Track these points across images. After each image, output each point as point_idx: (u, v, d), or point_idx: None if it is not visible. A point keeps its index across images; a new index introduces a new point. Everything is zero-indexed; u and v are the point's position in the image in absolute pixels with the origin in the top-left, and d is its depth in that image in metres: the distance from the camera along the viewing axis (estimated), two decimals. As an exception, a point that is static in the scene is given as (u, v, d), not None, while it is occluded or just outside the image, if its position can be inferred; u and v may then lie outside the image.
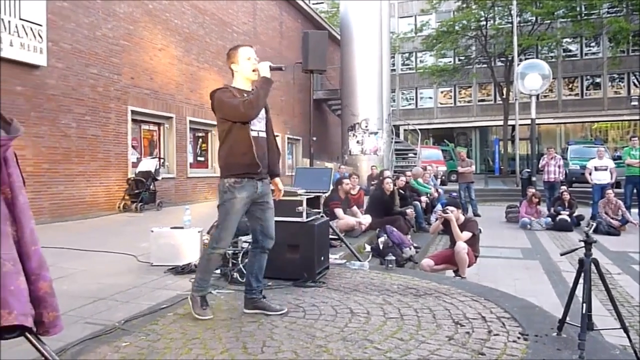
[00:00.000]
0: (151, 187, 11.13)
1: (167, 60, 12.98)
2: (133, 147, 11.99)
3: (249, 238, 5.23)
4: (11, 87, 8.77)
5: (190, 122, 13.90)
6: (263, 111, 3.71)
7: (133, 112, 11.73)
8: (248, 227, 5.91)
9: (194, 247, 5.35)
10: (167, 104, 12.94)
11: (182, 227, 5.57)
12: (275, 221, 4.71)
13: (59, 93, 9.72)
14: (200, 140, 15.07)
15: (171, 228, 5.59)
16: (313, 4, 31.14)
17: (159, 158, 12.37)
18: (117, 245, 6.52)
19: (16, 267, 2.03)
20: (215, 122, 12.71)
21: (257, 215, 3.73)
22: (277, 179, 3.90)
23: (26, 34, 8.87)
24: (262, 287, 3.83)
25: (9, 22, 8.59)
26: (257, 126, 3.68)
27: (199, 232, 5.46)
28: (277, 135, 16.41)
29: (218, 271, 4.92)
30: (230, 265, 4.75)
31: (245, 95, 3.58)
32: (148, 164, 11.38)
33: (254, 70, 3.64)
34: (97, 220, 9.66)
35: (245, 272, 4.61)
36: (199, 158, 14.95)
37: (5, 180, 2.09)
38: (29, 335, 2.13)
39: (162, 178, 11.87)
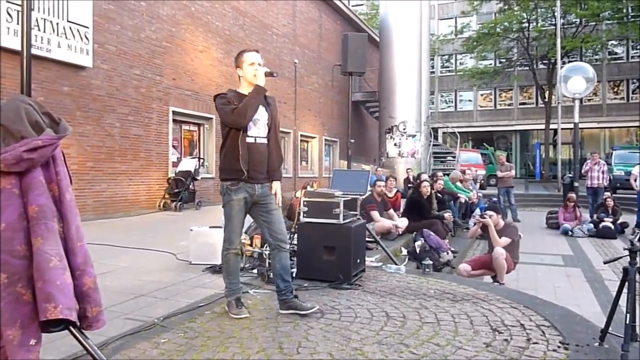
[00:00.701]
0: (190, 186, 11.32)
1: (208, 62, 13.19)
2: (174, 147, 12.22)
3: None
4: (59, 88, 9.07)
5: (229, 123, 14.06)
6: (265, 116, 3.74)
7: (174, 112, 11.97)
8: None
9: (232, 247, 5.41)
10: (208, 105, 13.14)
11: (220, 227, 5.64)
12: (312, 222, 4.78)
13: (104, 93, 10.00)
14: (239, 141, 15.23)
15: (210, 227, 5.66)
16: (352, 5, 31.14)
17: (199, 158, 12.56)
18: (157, 243, 6.65)
19: (62, 263, 2.10)
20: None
21: (263, 219, 3.78)
22: (275, 184, 3.88)
23: (73, 35, 9.16)
24: (290, 287, 3.83)
25: (57, 24, 8.89)
26: (255, 131, 3.69)
27: (236, 232, 5.51)
28: (313, 137, 16.50)
29: (255, 271, 4.98)
30: (267, 265, 4.78)
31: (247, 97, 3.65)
32: (188, 164, 11.58)
33: (254, 75, 3.68)
34: (138, 218, 9.87)
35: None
36: (237, 159, 15.10)
37: (53, 178, 2.16)
38: (73, 329, 2.20)
39: (202, 178, 12.05)
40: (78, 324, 2.19)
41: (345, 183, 5.57)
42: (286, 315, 3.74)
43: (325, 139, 20.47)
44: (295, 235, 5.09)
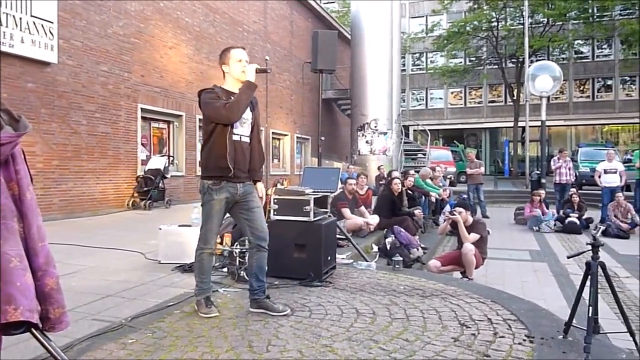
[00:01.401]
0: (160, 184, 11.19)
1: (178, 58, 13.04)
2: (143, 144, 12.06)
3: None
4: (23, 84, 8.86)
5: (200, 120, 13.93)
6: (249, 115, 3.72)
7: (143, 109, 11.80)
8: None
9: (202, 245, 5.36)
10: (177, 102, 12.99)
11: (190, 225, 5.59)
12: (283, 220, 4.76)
13: (70, 90, 9.80)
14: (210, 138, 15.10)
15: (179, 226, 5.61)
16: (324, 3, 31.17)
17: (169, 156, 12.43)
18: (125, 243, 6.56)
19: (23, 264, 2.04)
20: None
21: (244, 217, 3.73)
22: (258, 184, 3.88)
23: (37, 31, 8.95)
24: (264, 287, 3.81)
25: (20, 18, 8.67)
26: (240, 130, 3.66)
27: (206, 230, 5.46)
28: (285, 135, 16.48)
29: (225, 269, 4.95)
30: (237, 263, 4.76)
31: (232, 97, 3.59)
32: (157, 162, 11.44)
33: (242, 72, 3.65)
34: (107, 217, 9.72)
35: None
36: (208, 156, 14.98)
37: (12, 177, 2.11)
38: (34, 332, 2.14)
39: (171, 176, 11.93)
40: (40, 325, 2.14)
41: (316, 180, 5.57)
42: (256, 313, 3.72)
43: (297, 137, 20.44)
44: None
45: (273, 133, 18.30)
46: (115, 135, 10.96)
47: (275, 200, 4.80)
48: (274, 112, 18.21)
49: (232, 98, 3.58)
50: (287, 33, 19.52)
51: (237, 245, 4.98)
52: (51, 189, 9.37)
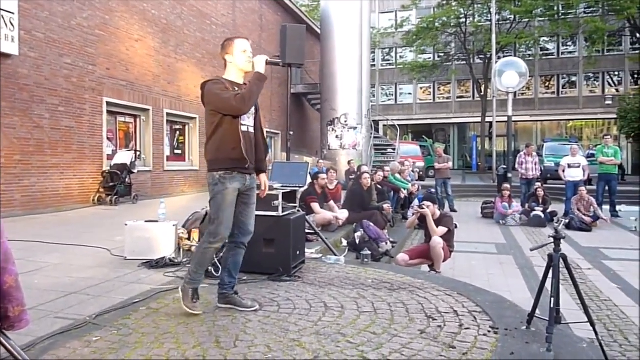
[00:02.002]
0: (127, 179, 11.00)
1: (144, 51, 12.82)
2: (108, 139, 11.83)
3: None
4: (-18, 77, 8.58)
5: (168, 114, 13.77)
6: (253, 107, 3.67)
7: (108, 103, 11.57)
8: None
9: (169, 241, 5.31)
10: (144, 95, 12.78)
11: (157, 221, 5.52)
12: (251, 215, 4.72)
13: (32, 83, 9.54)
14: (178, 133, 14.93)
15: (146, 221, 5.53)
16: (293, -3, 30.97)
17: (135, 150, 12.23)
18: (90, 239, 6.44)
19: (-20, 261, 1.99)
20: (193, 115, 12.61)
21: (239, 210, 3.68)
22: (262, 175, 3.86)
23: (-2, 22, 8.68)
24: (234, 283, 3.80)
25: (-20, 9, 8.40)
26: (247, 121, 3.63)
27: (174, 225, 5.41)
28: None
29: (193, 265, 4.89)
30: (205, 259, 4.71)
31: (237, 88, 3.54)
32: (124, 157, 11.25)
33: (248, 62, 3.60)
34: (71, 214, 9.52)
35: (220, 266, 4.62)
36: (176, 151, 14.82)
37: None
38: (-7, 330, 2.09)
39: (138, 171, 11.74)
40: (-1, 324, 2.09)
41: (285, 175, 5.55)
42: (225, 309, 3.70)
43: (267, 131, 20.34)
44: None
45: (242, 127, 18.15)
46: (80, 129, 10.72)
47: (244, 195, 4.76)
48: (244, 107, 18.06)
49: (236, 89, 3.53)
50: (257, 27, 19.39)
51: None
52: (13, 184, 9.13)
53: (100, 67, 11.27)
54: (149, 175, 12.92)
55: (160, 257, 5.11)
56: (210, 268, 4.61)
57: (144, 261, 5.10)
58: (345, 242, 7.39)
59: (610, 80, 36.27)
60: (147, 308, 3.73)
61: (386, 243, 7.50)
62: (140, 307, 3.75)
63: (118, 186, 10.71)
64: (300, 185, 5.59)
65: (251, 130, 3.67)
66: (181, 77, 14.34)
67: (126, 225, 5.42)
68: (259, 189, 3.89)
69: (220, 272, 3.90)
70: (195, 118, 15.06)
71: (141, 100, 12.70)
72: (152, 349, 2.96)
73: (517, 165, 13.93)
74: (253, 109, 3.69)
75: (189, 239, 5.54)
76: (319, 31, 21.40)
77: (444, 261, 6.58)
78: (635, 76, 35.32)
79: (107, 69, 11.48)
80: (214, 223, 3.57)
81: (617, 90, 34.76)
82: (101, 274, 4.75)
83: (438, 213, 6.84)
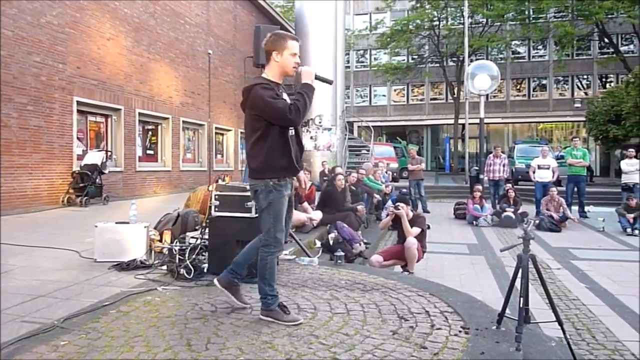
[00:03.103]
0: (97, 180, 10.82)
1: (116, 50, 12.64)
2: (79, 139, 11.63)
3: (196, 234, 5.19)
4: (-53, 74, 8.35)
5: (140, 114, 13.60)
6: None
7: (79, 102, 11.37)
8: (196, 222, 5.86)
9: (140, 243, 5.24)
10: (116, 95, 12.60)
11: (128, 222, 5.44)
12: (224, 217, 4.70)
13: None
14: (150, 133, 14.75)
15: (116, 223, 5.45)
16: (268, -2, 30.89)
17: (106, 151, 12.04)
18: (59, 241, 6.31)
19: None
20: (165, 115, 12.42)
21: None
22: (301, 173, 3.77)
23: (-36, 18, 8.46)
24: (243, 277, 3.78)
25: (-55, 5, 8.17)
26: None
27: (145, 227, 5.34)
28: (229, 130, 16.17)
29: (164, 267, 4.84)
30: (177, 261, 4.66)
31: (281, 89, 3.41)
32: (94, 157, 11.07)
33: (294, 68, 3.43)
34: (40, 215, 9.32)
35: (192, 268, 4.58)
36: (148, 151, 14.64)
37: None
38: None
39: (109, 171, 11.55)
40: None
41: (258, 176, 5.52)
42: (196, 311, 3.66)
43: (241, 132, 20.22)
44: (207, 230, 4.97)
45: (216, 128, 18.06)
46: (49, 129, 10.51)
47: (217, 197, 4.73)
48: (217, 107, 17.97)
49: (280, 90, 3.40)
50: (231, 27, 19.28)
51: (176, 243, 4.89)
52: (-21, 185, 8.92)
53: (70, 66, 11.07)
54: (121, 175, 12.74)
55: (131, 259, 5.04)
56: (182, 270, 4.56)
57: (115, 263, 5.02)
58: (318, 243, 7.38)
59: (579, 84, 37.09)
60: (117, 311, 3.67)
61: (360, 244, 7.52)
62: (110, 310, 3.69)
63: (88, 187, 10.53)
64: (274, 187, 5.56)
65: (292, 133, 3.52)
66: (154, 77, 14.17)
67: (96, 226, 5.33)
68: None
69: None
70: (168, 118, 14.90)
71: (113, 99, 12.51)
72: (121, 352, 2.92)
73: (485, 167, 14.17)
74: None
75: (160, 240, 5.48)
76: (293, 32, 21.39)
77: (417, 262, 6.63)
78: (604, 80, 36.19)
79: (77, 67, 11.28)
80: (272, 231, 3.42)
81: (586, 94, 35.60)
82: (70, 276, 4.66)
83: (411, 214, 6.88)
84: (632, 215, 11.00)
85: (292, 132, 3.47)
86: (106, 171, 11.14)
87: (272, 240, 3.43)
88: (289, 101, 3.36)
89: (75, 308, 3.69)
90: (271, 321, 3.42)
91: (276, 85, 3.42)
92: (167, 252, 4.95)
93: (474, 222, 12.34)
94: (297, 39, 3.54)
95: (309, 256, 5.89)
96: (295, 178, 3.70)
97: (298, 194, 8.44)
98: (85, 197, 10.40)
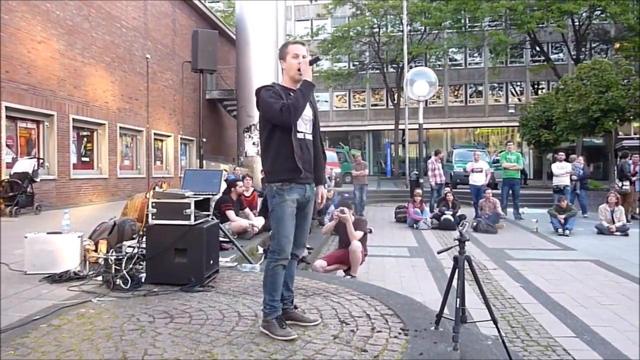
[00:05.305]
0: (28, 189, 10.35)
1: (48, 53, 12.16)
2: (8, 146, 11.10)
3: (133, 242, 5.04)
4: None
5: (74, 120, 13.12)
6: (310, 112, 3.46)
7: (7, 108, 10.86)
8: (133, 231, 5.70)
9: (73, 253, 5.03)
10: (48, 100, 12.11)
11: (59, 232, 5.22)
12: (162, 225, 4.59)
13: None
14: (85, 139, 14.25)
15: (48, 233, 5.22)
16: (208, 2, 30.61)
17: (38, 158, 11.52)
18: (-14, 253, 5.98)
19: None
20: (102, 121, 12.14)
21: (296, 223, 3.44)
22: (320, 187, 3.64)
23: None
24: (292, 297, 3.63)
25: None
26: (303, 128, 3.40)
27: (79, 237, 5.13)
28: (168, 135, 15.85)
29: (100, 278, 4.67)
30: (113, 271, 4.51)
31: (291, 94, 3.32)
32: (25, 165, 10.57)
33: (298, 69, 3.37)
34: (-35, 226, 8.81)
35: (129, 278, 4.44)
36: (83, 158, 14.14)
37: None
38: None
39: (41, 180, 11.08)
40: None
41: (198, 183, 5.43)
42: (132, 322, 3.55)
43: (181, 138, 19.88)
44: (144, 239, 4.84)
45: (155, 134, 17.66)
46: (-25, 135, 9.99)
47: (153, 204, 4.62)
48: (156, 112, 17.58)
49: (291, 94, 3.31)
50: (170, 31, 18.94)
51: (112, 252, 4.73)
52: None
53: (-2, 70, 10.56)
54: (54, 184, 12.24)
55: (63, 270, 4.83)
56: (118, 281, 4.42)
57: (46, 275, 4.80)
58: (261, 250, 7.33)
59: (513, 90, 38.64)
60: (47, 325, 3.51)
61: (303, 249, 7.51)
62: (41, 324, 3.53)
63: (18, 196, 10.04)
64: (214, 193, 5.49)
65: (308, 137, 3.44)
66: (89, 82, 13.72)
67: (26, 237, 5.08)
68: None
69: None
70: (104, 124, 14.45)
71: (44, 105, 12.02)
72: (52, 368, 2.79)
73: (429, 172, 14.48)
74: (311, 115, 3.48)
75: (95, 250, 5.29)
76: (234, 37, 21.24)
77: (360, 265, 6.69)
78: (535, 86, 37.84)
79: (6, 71, 10.77)
80: (276, 238, 3.36)
81: (519, 100, 37.10)
82: (-3, 290, 4.43)
83: (353, 218, 6.95)
84: (563, 216, 11.51)
85: (303, 135, 3.39)
86: (38, 179, 10.67)
87: (276, 247, 3.35)
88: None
89: (3, 323, 3.50)
90: (266, 334, 3.31)
91: (290, 90, 3.38)
92: (102, 262, 4.78)
93: (415, 225, 12.58)
94: (301, 43, 3.52)
95: (250, 263, 5.83)
96: (318, 187, 3.60)
97: (240, 200, 8.37)
98: (16, 207, 9.92)
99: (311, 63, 3.36)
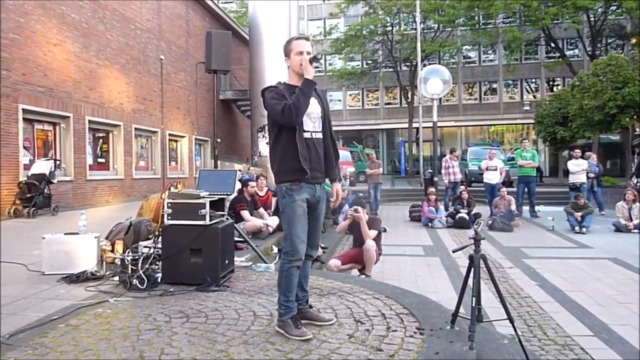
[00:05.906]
0: (45, 190, 10.47)
1: (64, 56, 12.29)
2: (25, 148, 11.24)
3: (149, 243, 5.08)
4: None
5: (90, 121, 13.25)
6: (319, 109, 3.42)
7: (25, 110, 10.99)
8: (149, 231, 5.74)
9: (90, 254, 5.08)
10: (64, 102, 12.24)
11: (77, 233, 5.28)
12: (177, 225, 4.62)
13: (-61, 89, 8.93)
14: (101, 141, 14.39)
15: (65, 234, 5.27)
16: (222, 3, 30.74)
17: (55, 160, 11.64)
18: (5, 254, 6.05)
19: None
20: (117, 123, 12.24)
21: (308, 222, 3.43)
22: (335, 184, 3.63)
23: None
24: (307, 297, 3.63)
25: None
26: (311, 126, 3.37)
27: (95, 237, 5.18)
28: (183, 136, 15.95)
29: (116, 278, 4.72)
30: (130, 271, 4.55)
31: (296, 92, 3.30)
32: (42, 166, 10.70)
33: (301, 66, 3.33)
34: (-16, 227, 8.94)
35: (145, 278, 4.48)
36: (99, 160, 14.27)
37: None
38: None
39: (58, 181, 11.21)
40: None
41: (212, 183, 5.46)
42: (149, 322, 3.58)
43: (196, 138, 19.99)
44: (160, 239, 4.87)
45: (170, 135, 17.78)
46: (-7, 138, 10.13)
47: (169, 205, 4.65)
48: (170, 113, 17.71)
49: (295, 92, 3.29)
50: (183, 32, 19.04)
51: (129, 253, 4.77)
52: None
53: (15, 72, 10.69)
54: (70, 185, 12.37)
55: (81, 270, 4.89)
56: (134, 281, 4.46)
57: (64, 276, 4.86)
58: (276, 249, 7.35)
59: (527, 87, 38.30)
60: (66, 325, 3.55)
61: (317, 249, 7.52)
62: (59, 324, 3.57)
63: (36, 197, 10.17)
64: (229, 193, 5.51)
65: (317, 136, 3.40)
66: (104, 83, 13.84)
67: (44, 238, 5.15)
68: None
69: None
70: (119, 125, 14.58)
71: (61, 107, 12.15)
72: (70, 368, 2.82)
73: (443, 170, 14.41)
74: (320, 112, 3.43)
75: (112, 251, 5.33)
76: (247, 37, 21.30)
77: (374, 264, 6.68)
78: (551, 83, 37.46)
79: (22, 74, 10.91)
80: (288, 239, 3.35)
81: (534, 97, 36.77)
82: (16, 290, 4.48)
83: (367, 217, 6.94)
84: (579, 214, 11.38)
85: (310, 134, 3.36)
86: (55, 181, 10.80)
87: (289, 249, 3.33)
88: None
89: (21, 323, 3.55)
90: (282, 333, 3.31)
91: (295, 88, 3.34)
92: (119, 263, 4.83)
93: (429, 224, 12.52)
94: (305, 38, 3.50)
95: (265, 262, 5.84)
96: (333, 184, 3.63)
97: (254, 200, 8.40)
98: (33, 208, 10.05)
99: (311, 62, 3.33)
